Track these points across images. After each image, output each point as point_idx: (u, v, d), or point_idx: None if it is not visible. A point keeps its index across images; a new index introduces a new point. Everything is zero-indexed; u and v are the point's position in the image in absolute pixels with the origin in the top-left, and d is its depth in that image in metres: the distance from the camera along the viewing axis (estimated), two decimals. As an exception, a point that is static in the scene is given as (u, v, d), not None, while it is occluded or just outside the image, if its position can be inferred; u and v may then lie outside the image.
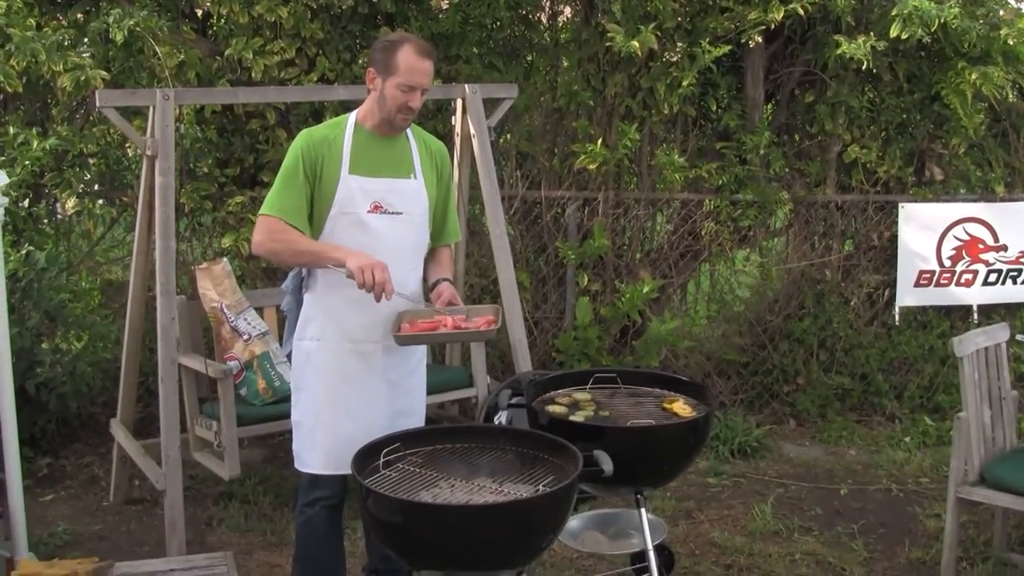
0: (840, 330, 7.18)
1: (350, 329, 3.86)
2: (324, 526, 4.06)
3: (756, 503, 5.75)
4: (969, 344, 4.75)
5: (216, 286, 5.38)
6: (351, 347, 3.87)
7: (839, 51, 6.58)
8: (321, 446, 3.89)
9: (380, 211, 3.82)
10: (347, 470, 3.80)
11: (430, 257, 4.10)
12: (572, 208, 7.10)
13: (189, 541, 4.98)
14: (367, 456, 3.39)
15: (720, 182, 7.00)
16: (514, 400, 4.10)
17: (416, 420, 4.04)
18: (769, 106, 7.21)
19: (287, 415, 4.71)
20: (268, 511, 5.61)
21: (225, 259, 5.51)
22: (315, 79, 6.29)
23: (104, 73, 5.74)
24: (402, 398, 4.00)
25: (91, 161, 6.56)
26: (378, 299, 3.60)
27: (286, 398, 5.22)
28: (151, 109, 4.95)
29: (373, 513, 3.20)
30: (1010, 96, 6.84)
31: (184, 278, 6.10)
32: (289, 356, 4.19)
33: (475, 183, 5.99)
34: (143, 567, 3.87)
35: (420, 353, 4.09)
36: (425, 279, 4.06)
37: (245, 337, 5.34)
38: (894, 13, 6.45)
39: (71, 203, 6.51)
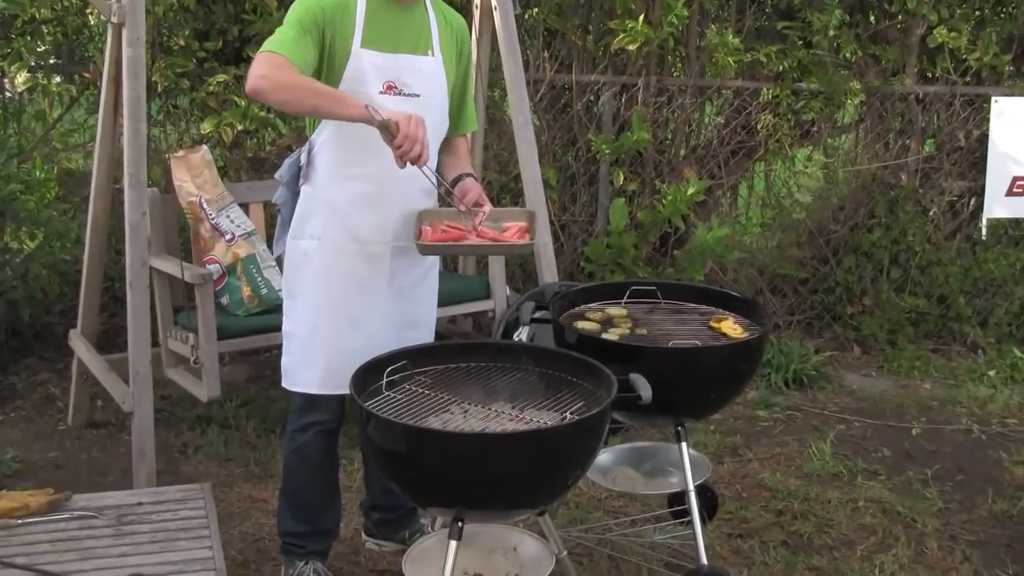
0: (916, 244, 7.15)
1: (356, 227, 3.84)
2: (317, 454, 4.08)
3: (813, 441, 5.77)
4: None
5: (194, 177, 5.36)
6: (356, 248, 3.85)
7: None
8: (319, 361, 3.90)
9: (394, 92, 3.78)
10: (347, 390, 3.82)
11: (445, 148, 4.06)
12: (607, 95, 7.04)
13: (160, 471, 5.02)
14: (368, 375, 3.40)
15: (780, 68, 6.93)
16: (538, 314, 4.11)
17: (425, 334, 4.05)
18: (841, -21, 7.13)
19: (275, 327, 4.71)
20: (251, 438, 5.65)
21: (205, 147, 5.49)
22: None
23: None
24: (411, 308, 4.00)
25: (45, 29, 6.52)
26: (410, 162, 3.49)
27: (274, 308, 5.26)
28: (118, -32, 4.90)
29: (374, 441, 3.22)
30: None
31: (157, 168, 6.08)
32: (280, 260, 4.18)
33: (496, 64, 5.94)
34: (106, 500, 3.87)
35: (432, 258, 4.08)
36: (441, 174, 4.03)
37: (227, 237, 5.34)
38: None
39: (21, 78, 6.47)
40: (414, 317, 4.02)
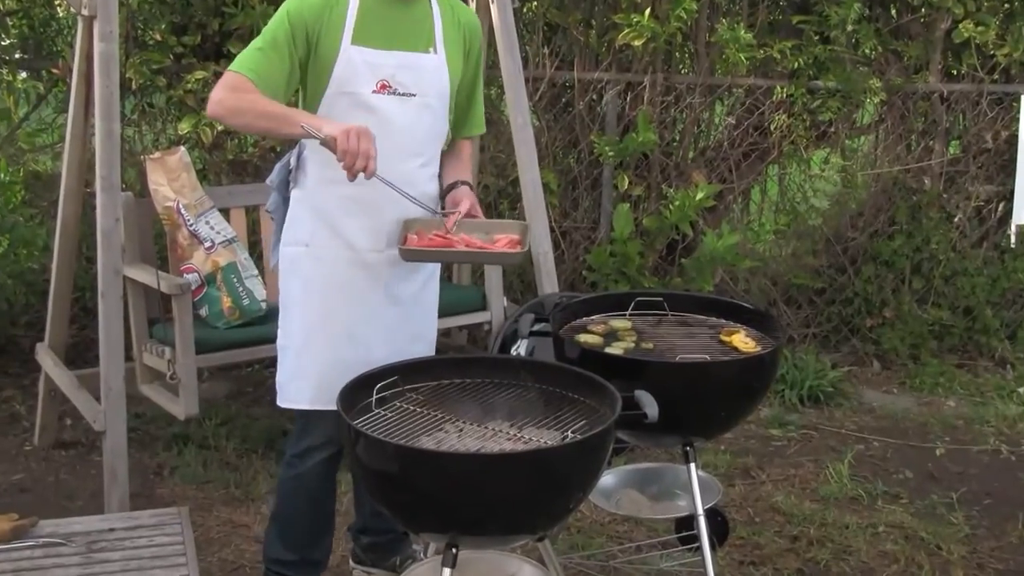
0: (940, 252, 7.16)
1: (349, 234, 3.84)
2: (316, 484, 4.09)
3: (830, 462, 5.78)
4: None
5: (171, 181, 5.37)
6: (350, 256, 3.85)
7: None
8: (311, 375, 3.89)
9: (388, 91, 3.79)
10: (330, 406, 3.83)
11: (449, 151, 4.08)
12: (611, 94, 7.06)
13: (133, 494, 5.02)
14: (357, 391, 3.40)
15: (795, 65, 6.95)
16: (537, 327, 4.10)
17: (425, 348, 4.06)
18: (860, -30, 7.15)
19: (257, 341, 4.73)
20: (232, 458, 5.66)
21: (183, 148, 5.49)
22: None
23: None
24: (411, 321, 4.00)
25: (10, 21, 6.53)
26: (354, 176, 3.53)
27: (256, 320, 5.27)
28: (90, -43, 4.91)
29: (363, 461, 3.22)
30: None
31: (131, 171, 6.09)
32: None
33: (493, 61, 5.95)
34: (75, 525, 3.86)
35: (432, 267, 4.09)
36: (440, 178, 4.04)
37: (207, 244, 5.34)
38: None
39: (-15, 75, 6.49)
40: (415, 330, 4.02)
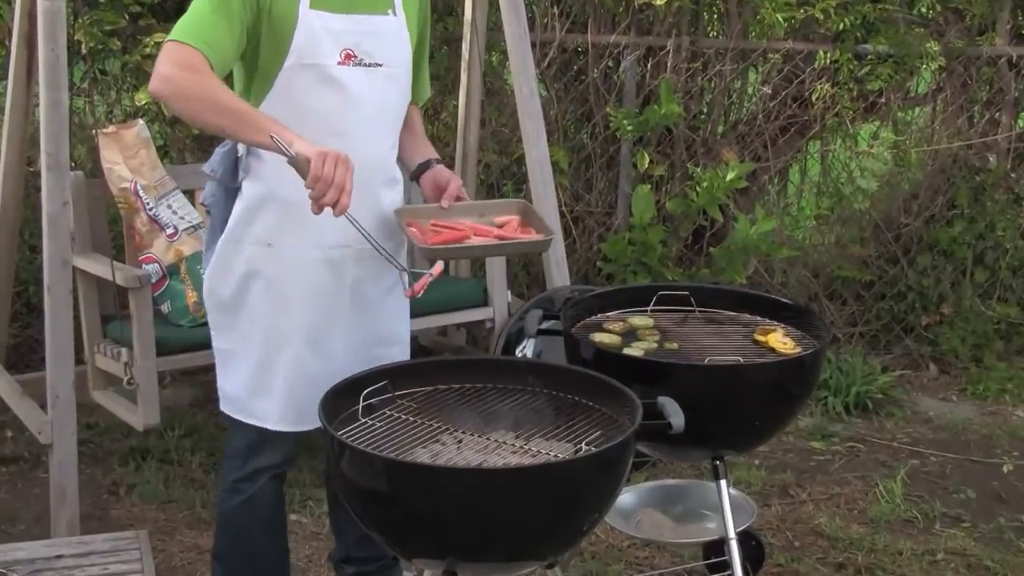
0: (1007, 240, 7.17)
1: (318, 229, 3.77)
2: (271, 506, 4.08)
3: (880, 479, 5.79)
4: None
5: (128, 159, 5.38)
6: (318, 254, 3.79)
7: None
8: (277, 392, 3.86)
9: (353, 61, 3.73)
10: (308, 425, 3.83)
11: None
12: (630, 60, 7.06)
13: (84, 516, 5.04)
14: (341, 398, 3.41)
15: (840, 27, 6.95)
16: (546, 325, 4.11)
17: (400, 352, 4.04)
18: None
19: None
20: (198, 475, 5.68)
21: (141, 121, 5.51)
22: None
23: None
24: (381, 322, 3.97)
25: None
26: (321, 209, 3.44)
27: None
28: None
29: (348, 477, 3.23)
30: None
31: (81, 147, 6.11)
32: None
33: (495, 23, 5.96)
34: (17, 552, 3.85)
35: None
36: (401, 155, 4.02)
37: (169, 231, 5.36)
38: None
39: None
40: (386, 332, 4.00)
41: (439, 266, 3.71)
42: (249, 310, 3.88)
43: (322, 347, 3.88)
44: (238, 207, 3.85)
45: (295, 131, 3.48)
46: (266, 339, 3.87)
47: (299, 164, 3.41)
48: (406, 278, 3.82)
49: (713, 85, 7.23)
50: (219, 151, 3.89)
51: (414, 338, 4.43)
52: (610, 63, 7.15)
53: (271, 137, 3.41)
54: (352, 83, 3.72)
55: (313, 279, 3.83)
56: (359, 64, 3.72)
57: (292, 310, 3.84)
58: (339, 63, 3.69)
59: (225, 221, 3.87)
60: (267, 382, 3.89)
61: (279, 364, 3.87)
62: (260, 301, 3.86)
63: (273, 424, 3.90)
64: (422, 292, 3.74)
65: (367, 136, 3.76)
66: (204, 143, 6.53)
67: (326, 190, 3.39)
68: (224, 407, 4.01)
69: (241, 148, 3.82)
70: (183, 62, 3.49)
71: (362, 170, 3.64)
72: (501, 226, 3.89)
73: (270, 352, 3.87)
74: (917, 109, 7.49)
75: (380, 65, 3.76)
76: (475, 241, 3.82)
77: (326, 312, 3.86)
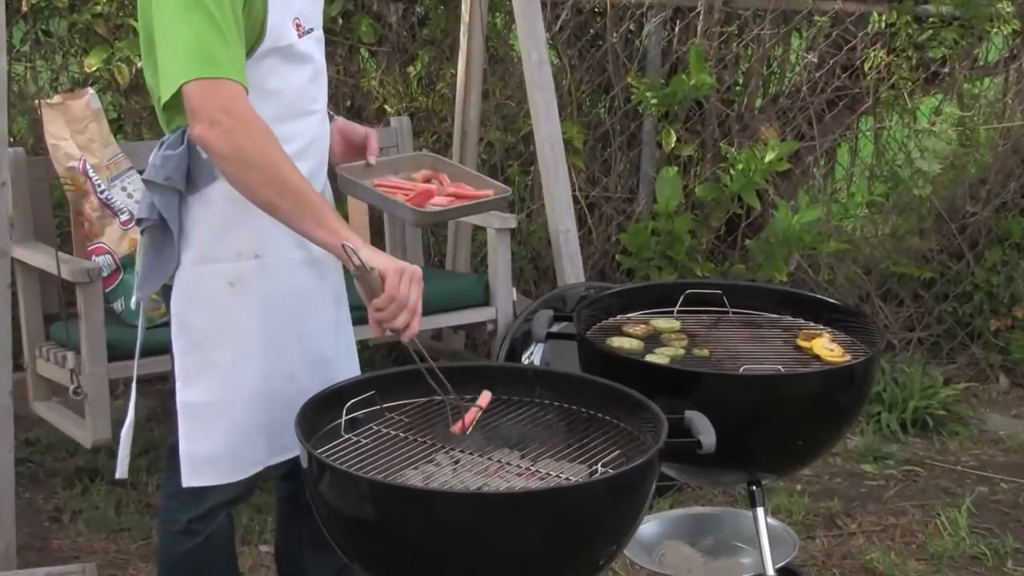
0: (1091, 232, 7.19)
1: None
2: (228, 544, 4.04)
3: (942, 508, 5.80)
4: None
5: (76, 134, 5.38)
6: (302, 255, 3.78)
7: None
8: (266, 427, 3.79)
9: (302, 31, 3.70)
10: (287, 454, 3.80)
11: None
12: (654, 23, 7.07)
13: (22, 547, 5.05)
14: (320, 411, 3.41)
15: (898, -16, 6.97)
16: (557, 328, 4.12)
17: (351, 366, 4.03)
18: None
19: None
20: (155, 499, 5.68)
21: (91, 90, 5.52)
22: None
23: None
24: (344, 333, 4.01)
25: None
26: (384, 332, 3.43)
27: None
28: None
29: (328, 502, 3.24)
30: None
31: (21, 120, 6.11)
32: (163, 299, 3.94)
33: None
34: (-54, 587, 3.90)
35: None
36: None
37: (123, 218, 5.36)
38: None
39: None
40: (346, 344, 4.01)
41: (486, 396, 3.62)
42: (235, 339, 3.76)
43: (317, 360, 3.87)
44: (206, 219, 3.72)
45: (272, 112, 3.49)
46: (261, 371, 3.77)
47: (371, 279, 3.38)
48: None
49: (750, 52, 7.23)
50: (162, 153, 3.70)
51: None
52: (632, 26, 7.15)
53: (343, 246, 3.36)
54: (314, 57, 3.73)
55: (301, 284, 3.79)
56: (307, 33, 3.69)
57: (286, 325, 3.78)
58: (298, 36, 3.66)
59: (184, 239, 3.73)
60: (258, 425, 3.79)
61: (275, 397, 3.77)
62: (247, 326, 3.75)
63: (264, 459, 3.81)
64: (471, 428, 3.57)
65: (323, 111, 3.79)
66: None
67: (399, 312, 3.40)
68: (194, 479, 3.80)
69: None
70: (232, 107, 3.42)
71: (320, 153, 3.77)
72: (427, 181, 3.93)
73: (264, 388, 3.77)
74: (986, 80, 7.49)
75: (313, 29, 3.75)
76: (454, 202, 3.87)
77: (316, 319, 3.86)
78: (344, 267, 3.52)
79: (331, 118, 3.96)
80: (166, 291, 3.80)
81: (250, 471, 3.80)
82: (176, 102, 3.48)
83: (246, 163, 3.42)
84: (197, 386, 3.78)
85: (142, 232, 3.77)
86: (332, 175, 3.89)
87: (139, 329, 4.01)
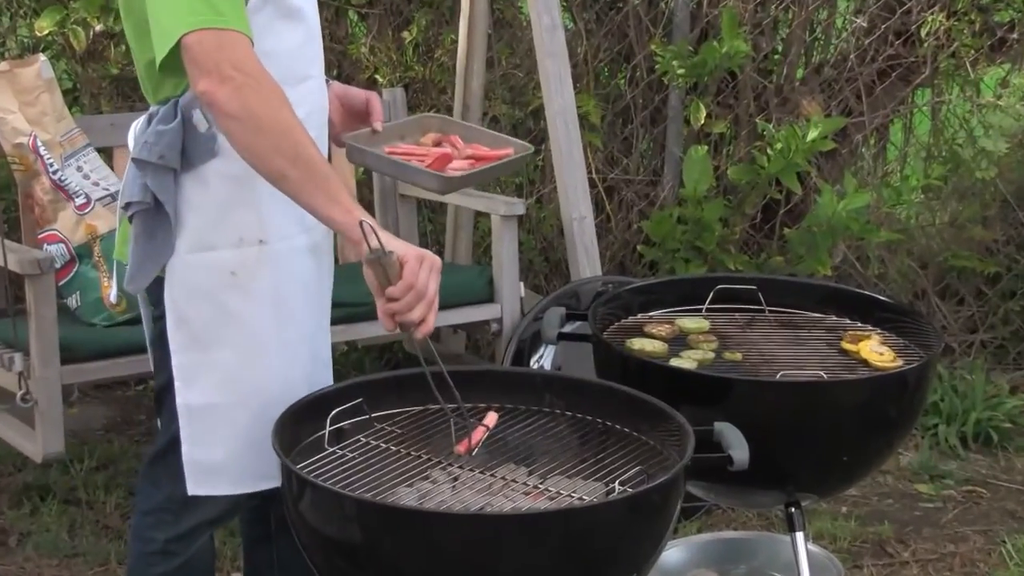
0: None
1: (296, 207, 3.75)
2: (206, 570, 4.04)
3: (1008, 534, 5.80)
4: None
5: (25, 106, 5.39)
6: (305, 240, 3.77)
7: None
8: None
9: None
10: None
11: None
12: (682, -18, 7.08)
13: (-35, 572, 5.07)
14: (301, 419, 3.41)
15: (959, -61, 6.98)
16: (569, 328, 4.12)
17: (328, 361, 3.99)
18: None
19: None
20: (113, 520, 5.70)
21: (43, 57, 5.52)
22: None
23: None
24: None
25: None
26: (396, 326, 3.41)
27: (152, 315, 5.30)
28: None
29: (310, 523, 3.24)
30: None
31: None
32: (156, 291, 3.97)
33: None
34: None
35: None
36: None
37: (79, 201, 5.37)
38: None
39: None
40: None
41: (493, 416, 3.62)
42: (239, 336, 3.75)
43: (325, 361, 3.89)
44: (203, 201, 3.71)
45: (277, 72, 3.49)
46: (271, 369, 3.75)
47: (389, 264, 3.37)
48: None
49: (791, 15, 7.23)
50: (154, 128, 3.67)
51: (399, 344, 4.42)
52: (656, -13, 7.17)
53: (361, 224, 3.35)
54: (309, 13, 3.71)
55: (306, 274, 3.79)
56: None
57: (296, 320, 3.79)
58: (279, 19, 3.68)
59: (179, 224, 3.70)
60: (264, 429, 3.64)
61: (294, 396, 3.70)
62: (255, 319, 3.75)
63: (275, 475, 3.65)
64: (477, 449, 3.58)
65: (321, 76, 3.79)
66: (124, 87, 6.54)
67: (416, 303, 3.39)
68: (200, 487, 3.78)
69: (199, 116, 3.64)
70: (243, 61, 3.40)
71: (321, 124, 3.77)
72: (437, 145, 3.99)
73: (282, 379, 3.76)
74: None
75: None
76: (476, 164, 3.89)
77: (322, 315, 3.86)
78: (337, 257, 3.53)
79: (327, 84, 3.95)
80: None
81: (261, 484, 3.74)
82: (172, 63, 3.44)
83: (257, 126, 3.40)
84: (199, 387, 3.76)
85: (130, 218, 3.72)
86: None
87: (144, 325, 3.94)
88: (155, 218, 3.67)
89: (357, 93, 4.01)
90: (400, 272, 3.35)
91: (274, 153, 3.41)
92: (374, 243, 3.33)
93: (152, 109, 3.69)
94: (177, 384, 3.75)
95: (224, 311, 3.73)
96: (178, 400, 3.74)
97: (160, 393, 3.86)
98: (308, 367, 3.80)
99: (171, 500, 3.86)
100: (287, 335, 3.76)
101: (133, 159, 3.68)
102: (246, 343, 3.74)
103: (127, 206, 3.70)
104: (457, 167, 3.86)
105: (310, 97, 3.67)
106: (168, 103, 3.62)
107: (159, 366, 3.84)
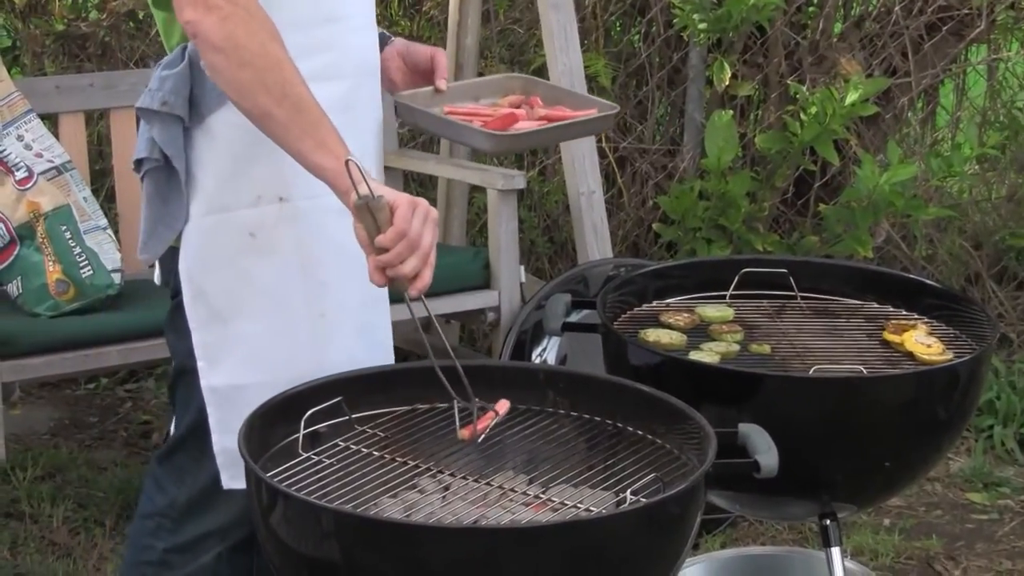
0: None
1: None
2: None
3: (1072, 549, 5.82)
4: None
5: (-42, 67, 5.42)
6: (334, 201, 3.76)
7: None
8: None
9: None
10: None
11: None
12: (703, -75, 7.09)
13: None
14: (272, 421, 3.41)
15: None
16: (576, 317, 4.13)
17: (385, 341, 4.05)
18: None
19: (107, 338, 4.76)
20: (61, 536, 5.70)
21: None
22: None
23: None
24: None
25: None
26: (386, 281, 3.43)
27: (105, 304, 5.30)
28: None
29: (281, 540, 3.25)
30: None
31: None
32: (171, 259, 4.01)
33: None
34: None
35: None
36: None
37: (20, 175, 5.38)
38: None
39: None
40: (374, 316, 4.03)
41: (504, 403, 3.64)
42: (263, 305, 3.79)
43: (377, 340, 3.93)
44: (215, 156, 3.75)
45: (295, 15, 3.56)
46: (304, 344, 3.80)
47: (378, 208, 3.37)
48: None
49: (825, -36, 7.25)
50: (159, 74, 3.74)
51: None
52: (675, -71, 7.19)
53: (348, 161, 3.36)
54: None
55: (339, 237, 3.69)
56: None
57: (329, 286, 3.82)
58: None
59: (191, 184, 3.75)
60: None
61: (336, 365, 3.76)
62: (282, 286, 3.80)
63: None
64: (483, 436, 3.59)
65: (364, 17, 3.80)
66: (71, 45, 6.54)
67: (408, 255, 3.39)
68: (235, 480, 3.77)
69: (192, 56, 3.68)
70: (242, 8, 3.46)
71: (359, 73, 3.77)
72: (516, 108, 3.98)
73: (318, 356, 3.79)
74: None
75: None
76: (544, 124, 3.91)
77: (367, 281, 3.80)
78: None
79: (388, 40, 4.01)
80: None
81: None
82: None
83: (240, 57, 3.44)
84: (224, 366, 3.81)
85: (142, 178, 3.77)
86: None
87: (184, 301, 3.86)
88: (166, 178, 3.73)
89: (421, 49, 4.01)
90: (391, 219, 3.36)
91: (258, 88, 3.44)
92: (363, 189, 3.34)
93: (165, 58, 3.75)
94: (200, 364, 3.80)
95: (245, 278, 3.77)
96: (202, 383, 3.79)
97: (175, 380, 3.91)
98: (352, 344, 3.83)
99: (173, 505, 3.91)
100: (320, 305, 3.80)
101: (137, 108, 3.73)
102: (271, 314, 3.79)
103: (137, 165, 3.76)
104: (522, 128, 3.88)
105: (341, 40, 3.69)
106: (177, 48, 3.69)
107: (173, 348, 3.89)
